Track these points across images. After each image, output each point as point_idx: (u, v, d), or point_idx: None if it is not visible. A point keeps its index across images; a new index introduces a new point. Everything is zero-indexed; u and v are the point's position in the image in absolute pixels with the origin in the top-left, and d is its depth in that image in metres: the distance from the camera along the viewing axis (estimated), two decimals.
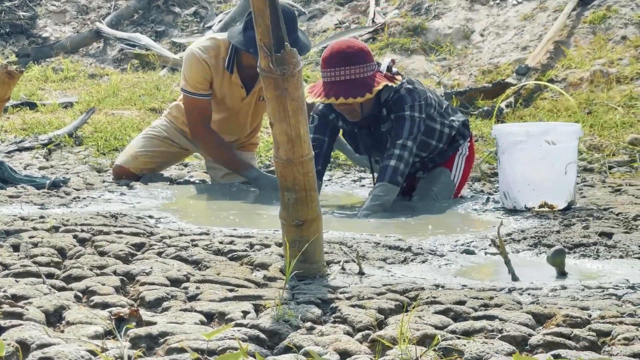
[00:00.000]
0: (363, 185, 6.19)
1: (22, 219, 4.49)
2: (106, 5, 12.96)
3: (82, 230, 4.19)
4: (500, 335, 2.85)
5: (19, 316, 2.93)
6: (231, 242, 4.10)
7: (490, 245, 4.19)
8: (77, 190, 5.70)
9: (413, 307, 3.11)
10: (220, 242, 4.10)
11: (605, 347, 2.80)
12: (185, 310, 3.10)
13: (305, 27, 11.06)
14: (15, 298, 3.14)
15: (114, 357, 2.63)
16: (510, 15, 9.97)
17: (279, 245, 4.00)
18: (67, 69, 11.15)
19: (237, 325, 2.94)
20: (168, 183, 6.13)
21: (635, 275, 3.67)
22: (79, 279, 3.44)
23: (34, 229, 4.21)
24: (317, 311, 3.11)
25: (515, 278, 3.64)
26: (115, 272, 3.54)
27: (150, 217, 4.83)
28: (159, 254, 3.89)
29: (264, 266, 3.73)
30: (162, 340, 2.79)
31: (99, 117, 8.51)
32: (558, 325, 2.95)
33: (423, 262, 3.97)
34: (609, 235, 4.40)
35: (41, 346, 2.66)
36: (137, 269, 3.57)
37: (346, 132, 5.55)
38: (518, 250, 4.22)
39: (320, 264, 3.57)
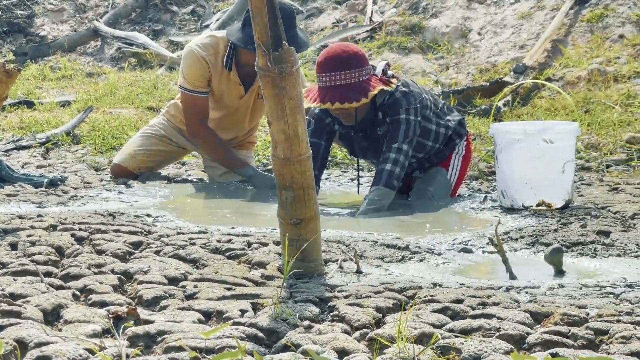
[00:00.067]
0: (361, 184, 6.18)
1: (20, 217, 4.49)
2: (104, 3, 12.95)
3: (80, 229, 4.19)
4: (498, 334, 2.85)
5: (17, 315, 2.93)
6: (229, 241, 4.10)
7: (488, 243, 4.19)
8: (74, 188, 5.70)
9: (411, 306, 3.11)
10: (218, 241, 4.10)
11: (603, 345, 2.81)
12: (183, 308, 3.10)
13: (303, 25, 11.05)
14: (13, 297, 3.14)
15: (112, 355, 2.63)
16: (508, 13, 9.97)
17: (277, 243, 4.00)
18: (65, 67, 11.14)
19: (235, 323, 2.94)
20: (166, 182, 6.13)
21: (632, 274, 3.67)
22: (76, 277, 3.44)
23: (32, 227, 4.21)
24: (315, 310, 3.11)
25: (512, 276, 3.65)
26: (113, 271, 3.54)
27: (148, 215, 4.83)
28: (157, 252, 3.89)
29: (261, 265, 3.73)
30: (160, 338, 2.79)
31: (97, 115, 8.51)
32: (556, 323, 2.95)
33: (421, 260, 3.97)
34: (607, 234, 4.40)
35: (39, 345, 2.66)
36: (134, 267, 3.57)
37: (342, 135, 5.55)
38: (516, 249, 4.22)
39: (318, 262, 3.57)
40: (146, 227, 4.39)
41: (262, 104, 5.88)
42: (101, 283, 3.34)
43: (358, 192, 5.62)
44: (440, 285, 3.44)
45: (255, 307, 3.14)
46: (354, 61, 5.20)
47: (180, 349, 2.68)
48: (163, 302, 3.18)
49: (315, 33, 11.01)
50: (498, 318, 2.98)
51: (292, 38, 5.15)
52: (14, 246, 3.90)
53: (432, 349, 2.72)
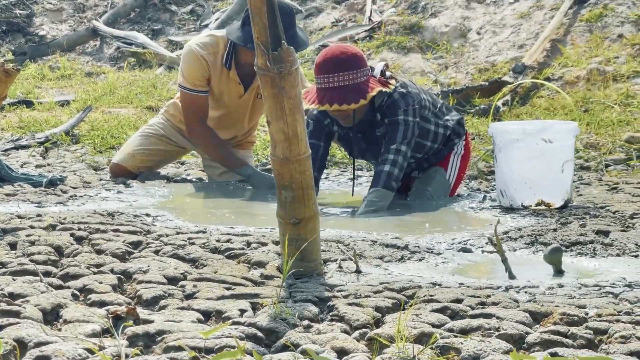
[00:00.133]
0: (360, 184, 6.18)
1: (19, 217, 4.49)
2: (103, 3, 12.95)
3: (79, 229, 4.19)
4: (497, 334, 2.85)
5: (16, 314, 2.93)
6: (228, 241, 4.10)
7: (487, 243, 4.19)
8: (74, 188, 5.70)
9: (410, 306, 3.11)
10: (217, 241, 4.10)
11: (602, 345, 2.81)
12: (182, 308, 3.10)
13: (302, 25, 11.05)
14: (13, 296, 3.14)
15: (112, 355, 2.63)
16: (507, 13, 9.97)
17: (276, 243, 4.00)
18: (64, 67, 11.14)
19: (234, 323, 2.94)
20: (165, 181, 6.13)
21: (632, 273, 3.67)
22: (76, 277, 3.44)
23: (31, 227, 4.21)
24: (315, 309, 3.11)
25: (512, 276, 3.65)
26: (112, 271, 3.54)
27: (147, 215, 4.82)
28: (156, 252, 3.89)
29: (261, 264, 3.73)
30: (159, 338, 2.79)
31: (96, 115, 8.51)
32: (555, 323, 2.95)
33: (420, 260, 3.97)
34: (606, 234, 4.40)
35: (38, 344, 2.66)
36: (134, 267, 3.57)
37: (341, 136, 5.55)
38: (515, 249, 4.22)
39: (318, 262, 3.57)
40: (145, 226, 4.39)
41: (262, 103, 5.88)
42: (100, 283, 3.34)
43: (352, 195, 5.62)
44: (439, 285, 3.44)
45: (255, 307, 3.14)
46: (352, 62, 5.20)
47: (179, 348, 2.67)
48: (162, 302, 3.18)
49: (314, 32, 11.01)
50: (497, 318, 2.98)
51: (291, 37, 5.15)
52: (13, 246, 3.90)
53: (431, 348, 2.72)
